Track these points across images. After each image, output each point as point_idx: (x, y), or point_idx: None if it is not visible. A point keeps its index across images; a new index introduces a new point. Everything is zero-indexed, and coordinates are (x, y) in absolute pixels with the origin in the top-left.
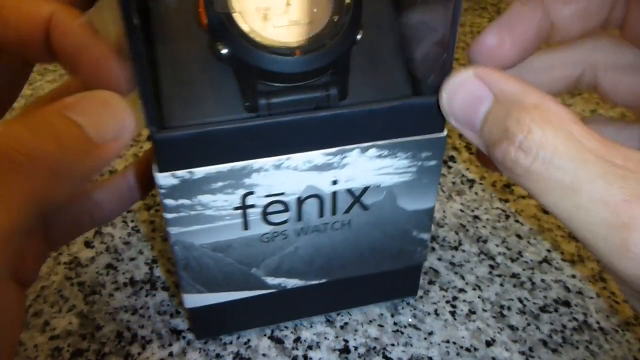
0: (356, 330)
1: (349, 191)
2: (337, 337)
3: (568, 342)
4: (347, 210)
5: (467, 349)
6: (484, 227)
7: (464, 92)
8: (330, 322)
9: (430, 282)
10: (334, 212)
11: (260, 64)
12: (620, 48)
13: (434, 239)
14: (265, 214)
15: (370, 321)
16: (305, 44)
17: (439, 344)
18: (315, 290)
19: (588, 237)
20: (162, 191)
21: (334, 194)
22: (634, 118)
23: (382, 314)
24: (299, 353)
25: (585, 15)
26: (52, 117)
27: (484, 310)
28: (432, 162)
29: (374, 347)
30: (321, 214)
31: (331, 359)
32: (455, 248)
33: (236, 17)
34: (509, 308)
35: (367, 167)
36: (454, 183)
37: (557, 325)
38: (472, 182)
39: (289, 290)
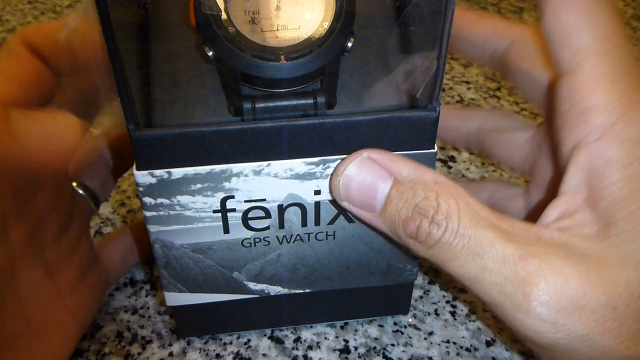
0: (356, 330)
1: (333, 202)
2: (337, 337)
3: None
4: (332, 222)
5: (467, 349)
6: None
7: (361, 175)
8: (330, 322)
9: (430, 282)
10: (317, 223)
11: (244, 68)
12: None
13: None
14: (246, 219)
15: (370, 321)
16: (291, 50)
17: (439, 344)
18: (300, 300)
19: (495, 297)
20: (140, 189)
21: (317, 204)
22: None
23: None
24: (299, 353)
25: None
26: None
27: (484, 310)
28: None
29: (374, 347)
30: (304, 224)
31: (331, 359)
32: None
33: (224, 18)
34: None
35: None
36: None
37: None
38: (472, 182)
39: (272, 297)
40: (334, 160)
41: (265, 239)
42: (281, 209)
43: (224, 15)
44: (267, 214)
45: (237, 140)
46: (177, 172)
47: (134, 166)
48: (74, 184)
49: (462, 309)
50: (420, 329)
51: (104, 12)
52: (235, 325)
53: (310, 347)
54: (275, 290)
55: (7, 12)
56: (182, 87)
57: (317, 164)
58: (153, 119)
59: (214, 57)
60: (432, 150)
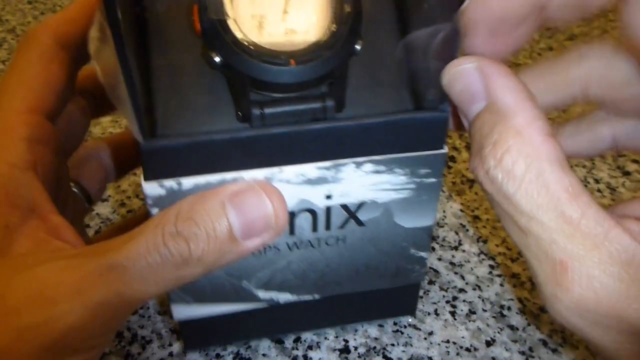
0: (356, 331)
1: (344, 206)
2: (337, 337)
3: (568, 342)
4: (342, 226)
5: (467, 349)
6: (484, 227)
7: (462, 84)
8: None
9: (430, 282)
10: (328, 227)
11: (253, 73)
12: (613, 63)
13: (434, 239)
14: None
15: (370, 321)
16: (301, 54)
17: (439, 344)
18: (308, 306)
19: (532, 268)
20: (149, 201)
21: (328, 208)
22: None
23: None
24: (299, 353)
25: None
26: (213, 212)
27: (484, 310)
28: (432, 179)
29: (374, 347)
30: (314, 229)
31: (331, 359)
32: (455, 248)
33: (230, 23)
34: (509, 308)
35: (363, 182)
36: (454, 183)
37: (557, 325)
38: (472, 182)
39: (281, 305)
40: (345, 164)
41: (276, 246)
42: (292, 216)
43: (230, 20)
44: None
45: (249, 147)
46: (188, 182)
47: (142, 177)
48: (71, 183)
49: (462, 309)
50: (420, 329)
51: (114, 25)
52: (242, 334)
53: (310, 347)
54: (283, 297)
55: (7, 12)
56: (185, 95)
57: (328, 168)
58: (158, 129)
59: (221, 63)
60: (442, 151)
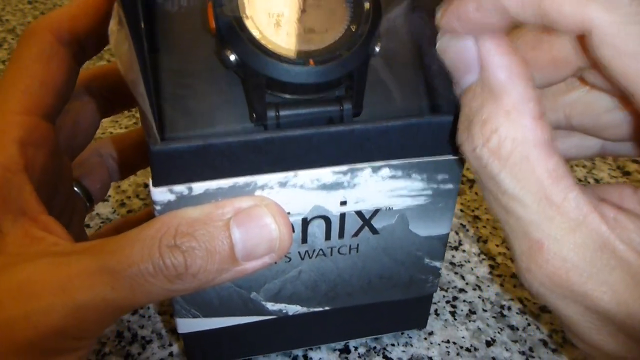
0: None
1: (359, 213)
2: None
3: (568, 342)
4: (356, 234)
5: (467, 349)
6: (484, 227)
7: (457, 52)
8: None
9: None
10: (341, 235)
11: (270, 73)
12: (594, 91)
13: None
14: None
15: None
16: (319, 54)
17: (439, 344)
18: (318, 318)
19: (508, 240)
20: (157, 207)
21: (343, 215)
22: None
23: None
24: (299, 353)
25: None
26: (215, 229)
27: (484, 310)
28: (449, 186)
29: (374, 347)
30: (328, 237)
31: (331, 359)
32: (456, 248)
33: (247, 21)
34: (509, 308)
35: (379, 188)
36: None
37: (557, 325)
38: (472, 182)
39: (290, 317)
40: (362, 169)
41: (287, 255)
42: (305, 223)
43: (246, 18)
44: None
45: (263, 150)
46: (199, 188)
47: (151, 182)
48: (74, 182)
49: (462, 309)
50: (420, 329)
51: (133, 23)
52: (250, 349)
53: (310, 347)
54: (293, 309)
55: (7, 12)
56: (195, 96)
57: (345, 173)
58: (166, 132)
59: (237, 62)
60: (458, 157)
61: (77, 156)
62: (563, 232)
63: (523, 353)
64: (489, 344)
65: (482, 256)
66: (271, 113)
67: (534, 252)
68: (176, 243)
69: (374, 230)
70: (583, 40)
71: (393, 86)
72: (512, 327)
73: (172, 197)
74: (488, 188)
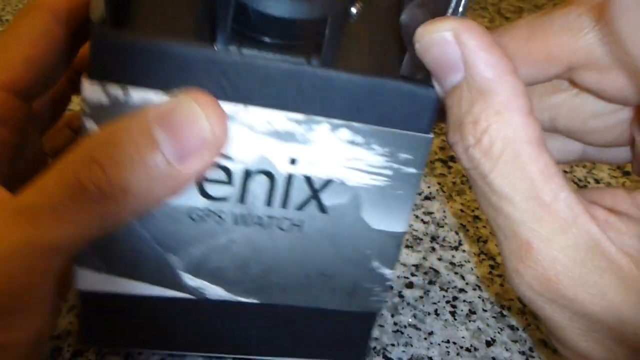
0: None
1: (308, 180)
2: None
3: None
4: (301, 207)
5: (467, 349)
6: (484, 227)
7: (437, 52)
8: None
9: (430, 282)
10: (285, 204)
11: None
12: (582, 95)
13: (434, 239)
14: (202, 180)
15: None
16: None
17: (439, 344)
18: (241, 315)
19: (498, 240)
20: (86, 109)
21: (290, 177)
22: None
23: (382, 314)
24: None
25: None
26: (139, 136)
27: (484, 310)
28: (411, 169)
29: (374, 347)
30: (269, 202)
31: None
32: (456, 248)
33: None
34: (509, 308)
35: (335, 152)
36: (454, 183)
37: None
38: None
39: (208, 303)
40: (319, 122)
41: (220, 213)
42: (247, 175)
43: None
44: (229, 179)
45: (215, 69)
46: (137, 95)
47: (85, 76)
48: (46, 155)
49: (462, 309)
50: (420, 329)
51: None
52: (154, 339)
53: None
54: (214, 292)
55: (7, 12)
56: (161, 8)
57: (300, 122)
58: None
59: None
60: (428, 136)
61: (49, 129)
62: (553, 232)
63: (523, 353)
64: (489, 344)
65: (482, 256)
66: (234, 48)
67: (523, 252)
68: (93, 157)
69: (322, 208)
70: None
71: (370, 55)
72: (512, 327)
73: (105, 100)
74: (479, 188)
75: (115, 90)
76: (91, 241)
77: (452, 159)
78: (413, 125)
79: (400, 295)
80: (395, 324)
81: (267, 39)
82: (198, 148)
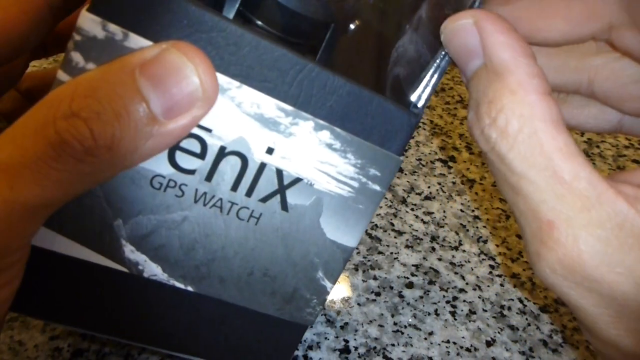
0: (356, 330)
1: (279, 173)
2: (337, 337)
3: (568, 342)
4: (265, 199)
5: (467, 349)
6: (484, 227)
7: (459, 40)
8: (330, 322)
9: (430, 282)
10: (250, 193)
11: None
12: (624, 59)
13: (434, 239)
14: (174, 148)
15: (370, 321)
16: None
17: (439, 344)
18: (172, 301)
19: (519, 224)
20: (77, 37)
21: (262, 166)
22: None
23: (382, 314)
24: (299, 353)
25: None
26: (124, 88)
27: (484, 310)
28: (377, 187)
29: (374, 347)
30: (235, 186)
31: (331, 359)
32: (456, 248)
33: None
34: (509, 308)
35: (312, 152)
36: (454, 183)
37: (557, 325)
38: (472, 182)
39: (143, 282)
40: (305, 119)
41: (182, 187)
42: (221, 153)
43: None
44: (202, 153)
45: (225, 40)
46: (135, 41)
47: (86, 7)
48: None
49: (462, 309)
50: (420, 329)
51: None
52: (74, 312)
53: (310, 347)
54: (152, 270)
55: None
56: None
57: (287, 114)
58: None
59: None
60: (398, 157)
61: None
62: (575, 210)
63: (523, 353)
64: (489, 344)
65: (482, 256)
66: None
67: (544, 233)
68: (73, 111)
69: (284, 205)
70: None
71: (361, 71)
72: (512, 327)
73: (100, 34)
74: (498, 171)
75: (115, 29)
76: (70, 200)
77: (452, 159)
78: (388, 144)
79: (400, 295)
80: (395, 324)
81: (268, 28)
82: (187, 104)
